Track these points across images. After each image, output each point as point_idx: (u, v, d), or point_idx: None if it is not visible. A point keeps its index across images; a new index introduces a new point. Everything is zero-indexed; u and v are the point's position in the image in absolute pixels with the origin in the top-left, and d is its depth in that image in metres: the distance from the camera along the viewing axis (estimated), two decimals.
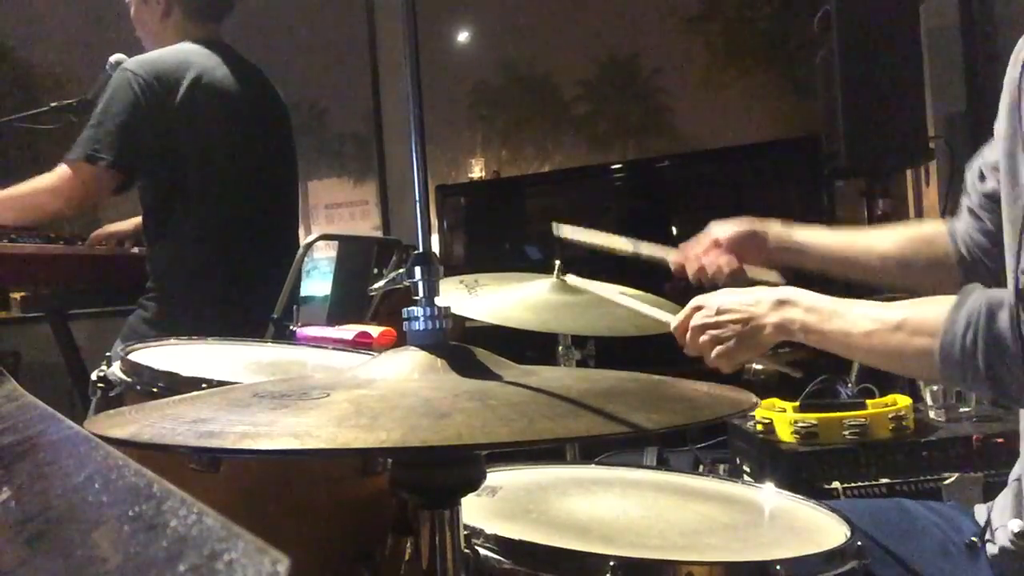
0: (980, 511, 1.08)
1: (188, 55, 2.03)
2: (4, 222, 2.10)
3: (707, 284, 1.32)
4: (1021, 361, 0.84)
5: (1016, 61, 0.97)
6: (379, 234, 4.49)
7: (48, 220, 2.16)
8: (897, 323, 0.94)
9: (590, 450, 1.82)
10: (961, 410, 1.67)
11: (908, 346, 0.94)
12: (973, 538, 1.03)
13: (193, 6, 2.11)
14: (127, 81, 1.93)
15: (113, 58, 2.18)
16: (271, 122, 2.22)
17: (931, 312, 0.92)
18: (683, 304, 1.19)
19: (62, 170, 1.94)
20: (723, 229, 1.32)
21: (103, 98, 1.95)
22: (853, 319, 0.99)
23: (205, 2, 2.13)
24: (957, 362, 0.88)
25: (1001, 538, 1.00)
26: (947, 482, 1.55)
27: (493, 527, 0.86)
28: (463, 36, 5.00)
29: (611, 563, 0.78)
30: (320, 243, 2.11)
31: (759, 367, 1.27)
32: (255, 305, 1.96)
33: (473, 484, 0.64)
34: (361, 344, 1.42)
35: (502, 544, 0.84)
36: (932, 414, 1.70)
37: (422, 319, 0.69)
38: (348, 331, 1.47)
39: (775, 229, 1.32)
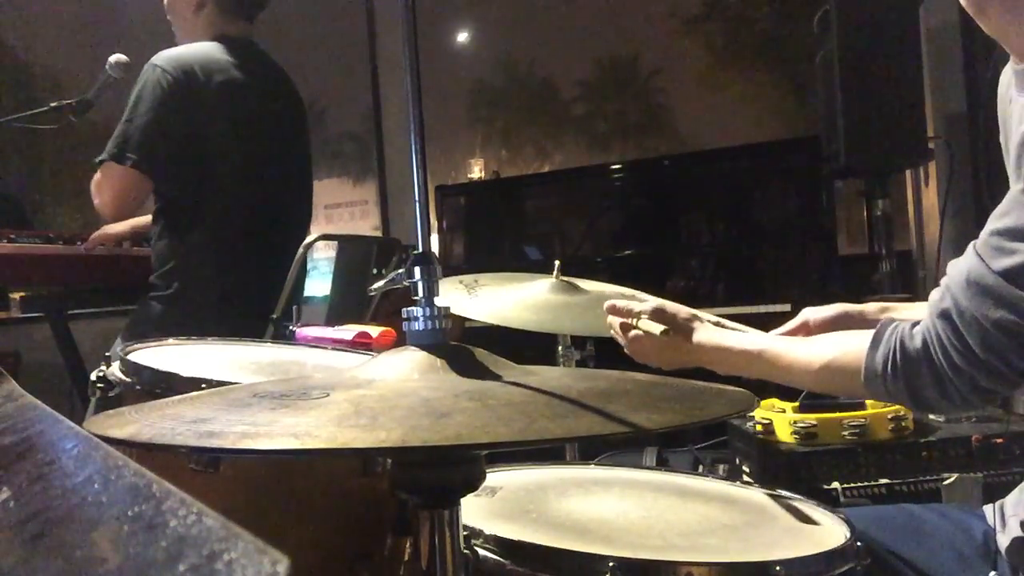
0: (989, 510, 1.08)
1: (215, 53, 2.03)
2: None
3: None
4: (935, 384, 0.91)
5: (1001, 95, 0.99)
6: (379, 234, 4.49)
7: (100, 215, 2.16)
8: (822, 365, 1.03)
9: (590, 450, 1.82)
10: None
11: (831, 382, 1.05)
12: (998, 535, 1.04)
13: (227, 3, 2.11)
14: (156, 78, 1.94)
15: (113, 58, 2.18)
16: (291, 125, 2.23)
17: (851, 356, 1.00)
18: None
19: (103, 168, 1.95)
20: (814, 312, 1.23)
21: (132, 94, 1.96)
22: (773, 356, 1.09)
23: (238, 0, 2.12)
24: (881, 391, 0.97)
25: (1013, 527, 1.00)
26: (947, 482, 1.55)
27: (493, 527, 0.85)
28: (463, 36, 5.00)
29: (611, 563, 0.78)
30: (320, 243, 2.11)
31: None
32: (263, 306, 1.96)
33: (473, 484, 0.64)
34: (361, 344, 1.42)
35: (501, 544, 0.83)
36: (931, 415, 1.70)
37: (422, 319, 0.69)
38: (348, 331, 1.47)
39: (871, 308, 1.22)
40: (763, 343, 1.10)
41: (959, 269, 0.90)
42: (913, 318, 0.96)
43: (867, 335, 0.98)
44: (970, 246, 0.91)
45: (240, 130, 2.03)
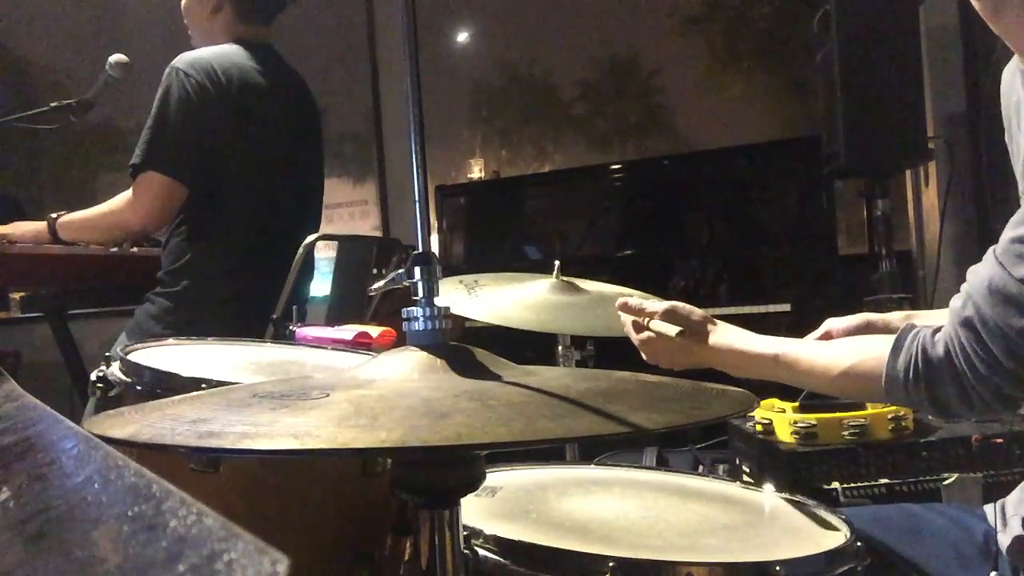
0: (989, 510, 1.08)
1: (234, 56, 2.02)
2: (90, 243, 2.12)
3: None
4: (958, 391, 0.90)
5: (1005, 94, 0.99)
6: (379, 234, 4.48)
7: (133, 238, 2.17)
8: (841, 371, 1.02)
9: (590, 450, 1.83)
10: None
11: (851, 388, 1.03)
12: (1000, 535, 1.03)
13: (244, 6, 2.10)
14: (180, 82, 1.93)
15: (113, 58, 2.17)
16: (306, 130, 2.22)
17: (871, 362, 0.98)
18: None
19: (141, 179, 1.93)
20: (838, 322, 1.22)
21: (156, 99, 1.94)
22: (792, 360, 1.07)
23: (256, 3, 2.12)
24: (902, 397, 0.96)
25: (1015, 526, 1.00)
26: (947, 482, 1.55)
27: (493, 527, 0.85)
28: (463, 36, 4.99)
29: (611, 563, 0.78)
30: (320, 243, 2.11)
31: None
32: (270, 308, 1.96)
33: (473, 484, 0.64)
34: (361, 344, 1.42)
35: (501, 544, 0.83)
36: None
37: (422, 319, 0.69)
38: (348, 331, 1.47)
39: (896, 317, 1.21)
40: (780, 347, 1.08)
41: (980, 276, 0.89)
42: (935, 324, 0.95)
43: (886, 340, 0.97)
44: (989, 252, 0.90)
45: (258, 133, 2.02)
